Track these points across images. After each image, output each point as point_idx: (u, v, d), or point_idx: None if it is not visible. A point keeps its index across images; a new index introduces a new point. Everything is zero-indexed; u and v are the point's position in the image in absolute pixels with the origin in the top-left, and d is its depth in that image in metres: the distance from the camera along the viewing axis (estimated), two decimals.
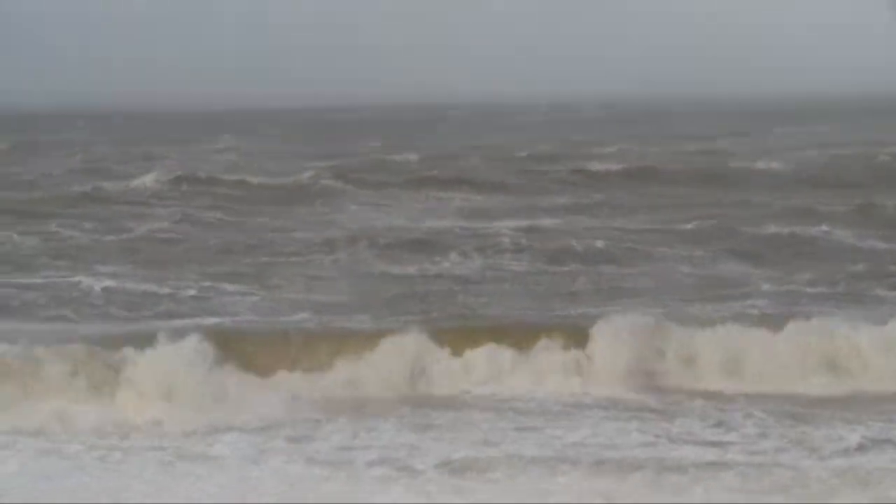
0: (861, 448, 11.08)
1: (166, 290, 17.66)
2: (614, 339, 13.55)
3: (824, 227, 23.56)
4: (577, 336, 13.78)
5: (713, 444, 11.27)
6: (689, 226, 23.79)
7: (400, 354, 12.99)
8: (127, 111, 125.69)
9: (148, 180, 31.90)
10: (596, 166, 35.83)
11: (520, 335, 13.76)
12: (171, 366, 12.39)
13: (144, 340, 13.12)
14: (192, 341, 12.64)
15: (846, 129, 59.54)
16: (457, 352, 13.31)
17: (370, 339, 13.55)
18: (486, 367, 13.18)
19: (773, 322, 14.68)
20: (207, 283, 18.20)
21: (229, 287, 17.97)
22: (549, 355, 13.38)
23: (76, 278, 18.57)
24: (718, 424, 11.82)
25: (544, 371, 13.17)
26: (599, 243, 21.64)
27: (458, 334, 13.75)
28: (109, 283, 18.14)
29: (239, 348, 13.23)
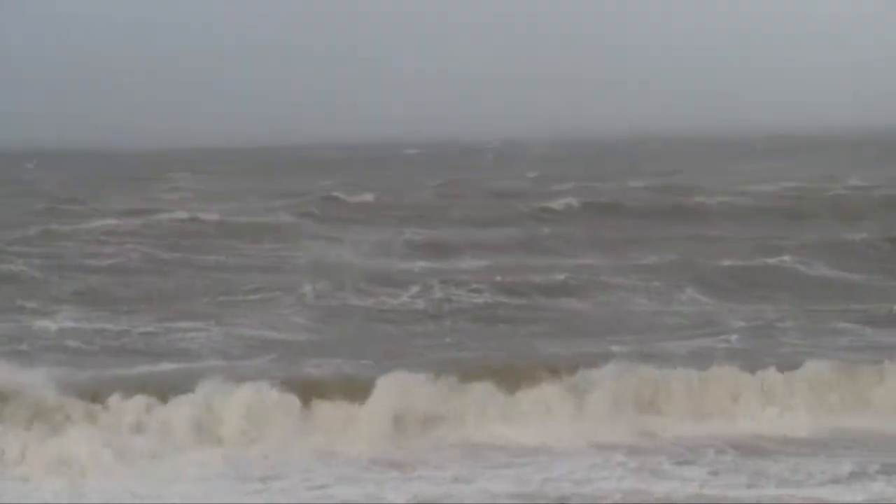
0: (836, 480, 11.04)
1: (128, 330, 17.38)
2: (592, 381, 13.47)
3: (785, 258, 23.68)
4: (552, 377, 13.63)
5: (687, 479, 11.22)
6: (650, 260, 23.70)
7: (379, 398, 12.66)
8: (78, 151, 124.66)
9: (103, 219, 31.55)
10: (554, 202, 35.84)
11: (493, 375, 13.54)
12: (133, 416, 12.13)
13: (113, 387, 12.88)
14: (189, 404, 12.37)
15: (806, 163, 60.23)
16: (433, 394, 13.02)
17: (347, 384, 13.25)
18: (465, 408, 12.93)
19: (743, 358, 14.69)
20: (167, 324, 17.86)
21: (189, 327, 17.63)
22: (527, 396, 13.19)
23: (32, 318, 18.27)
24: (691, 462, 11.76)
25: (524, 412, 12.96)
26: (563, 279, 21.45)
27: (433, 376, 13.39)
28: (66, 323, 17.79)
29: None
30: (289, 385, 12.94)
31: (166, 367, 14.87)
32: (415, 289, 20.74)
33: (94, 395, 12.70)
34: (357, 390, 12.95)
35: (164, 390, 12.77)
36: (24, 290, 21.07)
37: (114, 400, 12.49)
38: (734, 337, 16.66)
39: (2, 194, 47.12)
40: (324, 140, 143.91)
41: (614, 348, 15.60)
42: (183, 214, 32.93)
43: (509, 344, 16.42)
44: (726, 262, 23.05)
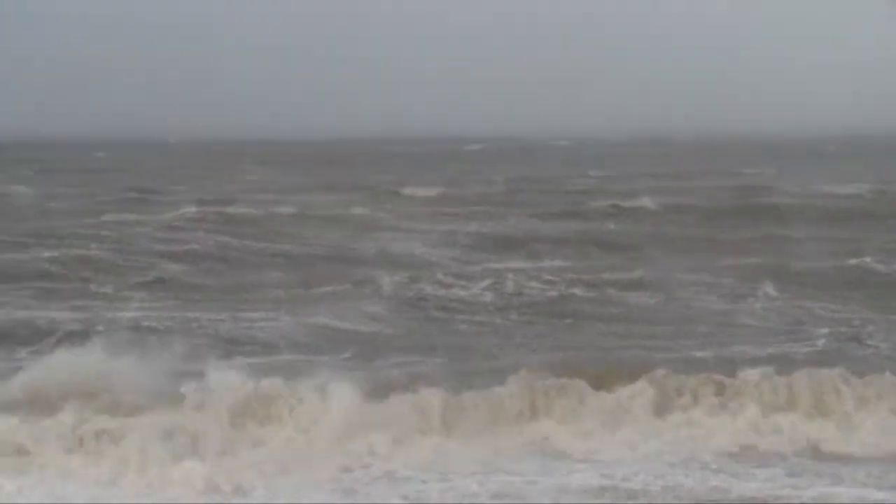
0: None
1: (204, 322, 17.31)
2: (674, 384, 13.28)
3: (866, 259, 23.10)
4: (632, 379, 13.38)
5: (767, 480, 11.09)
6: (729, 261, 23.13)
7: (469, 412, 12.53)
8: (141, 140, 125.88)
9: (179, 210, 31.74)
10: (628, 202, 35.51)
11: (577, 375, 13.31)
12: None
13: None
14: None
15: (865, 165, 59.29)
16: (515, 394, 12.86)
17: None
18: (547, 408, 12.78)
19: (828, 362, 14.30)
20: (244, 314, 17.87)
21: (265, 317, 17.63)
22: (608, 398, 12.98)
23: (108, 305, 18.40)
24: (773, 465, 11.58)
25: (605, 414, 12.76)
26: (639, 277, 21.23)
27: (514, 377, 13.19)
28: (142, 312, 17.81)
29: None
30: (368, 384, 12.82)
31: (251, 360, 14.83)
32: (486, 282, 20.62)
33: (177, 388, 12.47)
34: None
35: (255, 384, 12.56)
36: (101, 277, 21.25)
37: (207, 394, 12.27)
38: (821, 341, 16.27)
39: (75, 183, 47.74)
40: (319, 141, 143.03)
41: (698, 354, 15.32)
42: (258, 206, 33.13)
43: (585, 344, 16.13)
44: (806, 263, 22.57)
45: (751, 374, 13.46)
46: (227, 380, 12.52)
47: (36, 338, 16.11)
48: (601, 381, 13.30)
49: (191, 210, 31.15)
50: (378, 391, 12.67)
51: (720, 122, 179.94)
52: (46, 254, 23.05)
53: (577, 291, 20.11)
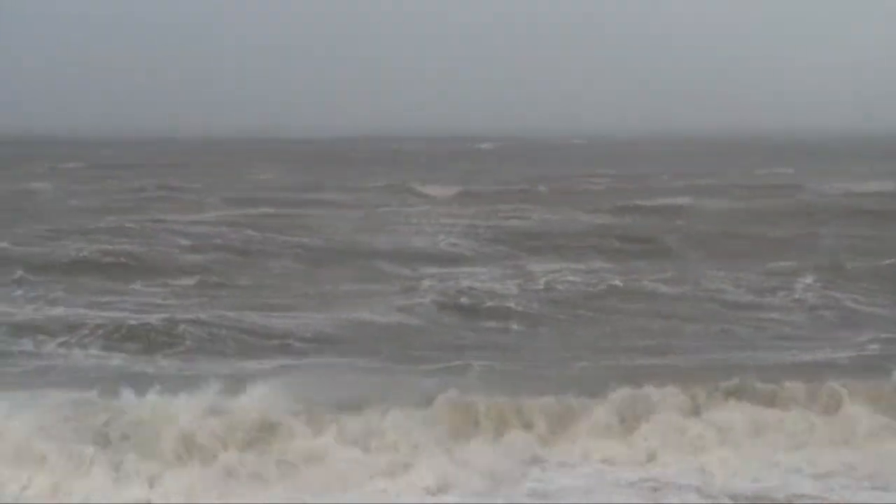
0: None
1: (233, 319, 16.88)
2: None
3: None
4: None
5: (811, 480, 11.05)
6: (783, 263, 22.43)
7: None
8: (141, 139, 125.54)
9: (204, 206, 31.62)
10: (653, 200, 35.27)
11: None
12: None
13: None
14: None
15: (872, 165, 58.87)
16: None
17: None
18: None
19: (878, 367, 14.03)
20: (273, 311, 17.59)
21: (294, 315, 17.36)
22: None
23: (141, 303, 18.21)
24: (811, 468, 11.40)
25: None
26: (669, 276, 20.86)
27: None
28: (177, 312, 17.40)
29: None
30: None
31: (287, 360, 14.64)
32: (518, 280, 20.38)
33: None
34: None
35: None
36: (130, 272, 21.09)
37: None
38: (871, 346, 15.85)
39: (91, 182, 47.50)
40: (320, 139, 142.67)
41: (740, 355, 15.02)
42: (280, 204, 33.00)
43: (627, 347, 15.70)
44: (845, 263, 22.11)
45: (796, 384, 13.10)
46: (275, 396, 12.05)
47: (66, 331, 15.97)
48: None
49: (216, 207, 31.04)
50: (423, 395, 12.37)
51: (720, 122, 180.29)
52: (75, 248, 23.01)
53: (610, 289, 19.81)
